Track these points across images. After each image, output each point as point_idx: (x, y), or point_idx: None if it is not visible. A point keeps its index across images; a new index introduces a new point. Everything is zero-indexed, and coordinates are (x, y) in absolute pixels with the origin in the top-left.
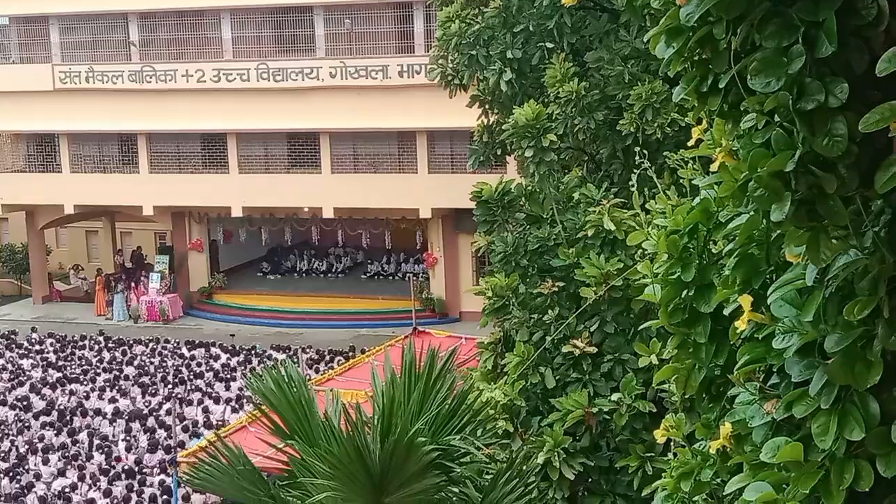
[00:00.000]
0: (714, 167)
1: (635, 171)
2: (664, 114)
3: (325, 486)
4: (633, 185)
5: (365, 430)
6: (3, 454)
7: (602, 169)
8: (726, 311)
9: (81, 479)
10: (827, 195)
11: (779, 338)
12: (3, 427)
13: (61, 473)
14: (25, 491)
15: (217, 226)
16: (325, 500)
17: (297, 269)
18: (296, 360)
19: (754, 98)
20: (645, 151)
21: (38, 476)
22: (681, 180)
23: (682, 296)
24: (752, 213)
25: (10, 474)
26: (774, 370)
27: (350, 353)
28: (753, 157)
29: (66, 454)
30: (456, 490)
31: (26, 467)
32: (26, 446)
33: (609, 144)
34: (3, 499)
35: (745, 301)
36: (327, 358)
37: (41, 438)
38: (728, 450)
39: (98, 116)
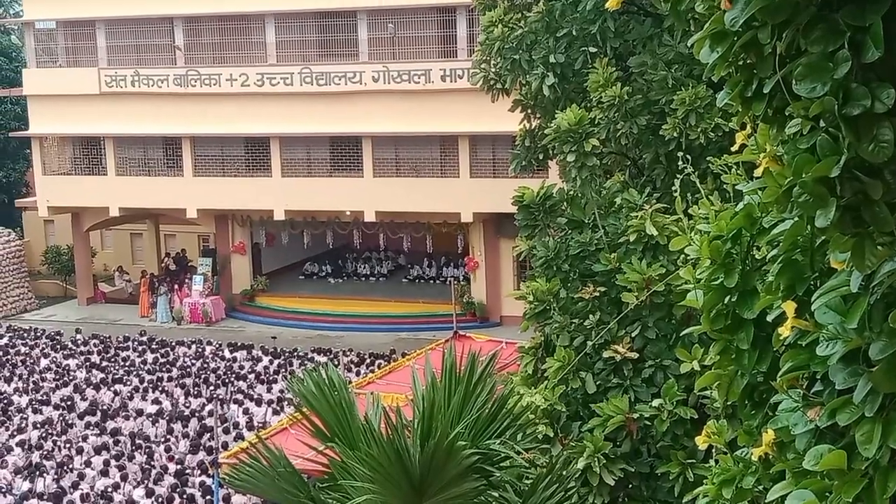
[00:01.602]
0: (758, 172)
1: (678, 176)
2: (708, 119)
3: (365, 489)
4: (675, 190)
5: (405, 433)
6: (46, 453)
7: (644, 174)
8: (769, 318)
9: (124, 478)
10: (872, 201)
11: (823, 345)
12: (47, 427)
13: (104, 473)
14: (70, 490)
15: (260, 229)
16: (364, 502)
17: (339, 272)
18: (336, 363)
19: (799, 103)
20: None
21: (81, 475)
22: (724, 185)
23: (725, 301)
24: (796, 218)
25: (54, 474)
26: (818, 377)
27: (391, 357)
28: (798, 162)
29: (109, 454)
30: (495, 494)
31: (70, 466)
32: (70, 446)
33: (652, 149)
34: (45, 498)
35: (789, 307)
36: (368, 361)
37: (84, 438)
38: (770, 457)
39: (143, 120)
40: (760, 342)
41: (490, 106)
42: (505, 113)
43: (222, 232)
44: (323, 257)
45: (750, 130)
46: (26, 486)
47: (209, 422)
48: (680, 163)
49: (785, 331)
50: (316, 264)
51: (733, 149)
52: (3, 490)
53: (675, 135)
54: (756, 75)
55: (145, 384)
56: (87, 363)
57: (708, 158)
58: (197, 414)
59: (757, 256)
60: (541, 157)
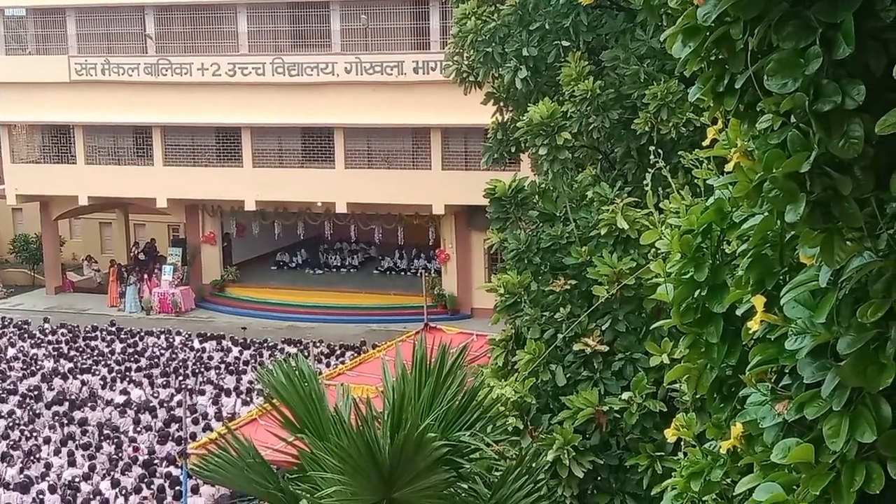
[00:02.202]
0: (729, 167)
1: (649, 170)
2: (679, 113)
3: (335, 480)
4: (647, 185)
5: (375, 424)
6: (13, 443)
7: (616, 168)
8: (739, 312)
9: (92, 469)
10: (842, 197)
11: (791, 339)
12: (14, 416)
13: (71, 464)
14: (36, 480)
15: (230, 219)
16: (334, 494)
17: (310, 264)
18: (307, 354)
19: (770, 99)
20: (660, 151)
21: (48, 465)
22: (695, 180)
23: (695, 295)
24: (766, 213)
25: (21, 463)
26: (786, 371)
27: (361, 348)
28: (769, 157)
29: (76, 444)
30: (465, 486)
31: (38, 456)
32: (37, 435)
33: (623, 143)
34: (12, 487)
35: (759, 301)
36: (338, 352)
37: (52, 428)
38: (739, 450)
39: (113, 108)
40: (730, 336)
41: (462, 98)
42: (477, 105)
43: (192, 222)
44: (294, 248)
45: (721, 125)
46: None
47: (178, 412)
48: (651, 157)
49: (754, 325)
50: (287, 255)
51: (704, 143)
52: None
53: (646, 129)
54: (728, 70)
55: (113, 374)
56: (55, 353)
57: (679, 153)
58: (165, 404)
59: (727, 251)
60: (513, 150)
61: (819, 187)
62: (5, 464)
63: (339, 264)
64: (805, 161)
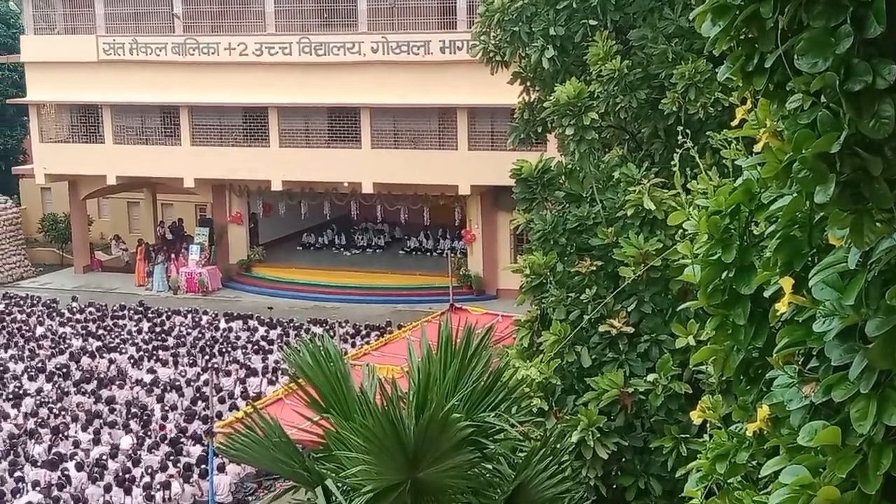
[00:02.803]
0: (758, 148)
1: (677, 150)
2: (707, 93)
3: (360, 460)
4: (674, 165)
5: (400, 404)
6: (41, 421)
7: (643, 148)
8: (766, 294)
9: (118, 447)
10: (872, 178)
11: (819, 321)
12: (42, 394)
13: (98, 442)
14: (65, 459)
15: (257, 199)
16: (359, 473)
17: (336, 244)
18: (332, 334)
19: (801, 78)
20: (687, 131)
21: (76, 444)
22: (723, 161)
23: (722, 277)
24: (795, 194)
25: (49, 441)
26: (814, 353)
27: (387, 329)
28: (798, 138)
29: (104, 422)
30: (489, 467)
31: (66, 434)
32: (65, 413)
33: (651, 123)
34: (40, 465)
35: (787, 283)
36: (364, 332)
37: (80, 406)
38: (765, 432)
39: (141, 88)
40: (757, 318)
41: (489, 78)
42: (504, 85)
43: (219, 202)
44: (320, 228)
45: (750, 105)
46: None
47: (204, 391)
48: (679, 137)
49: (782, 307)
50: (313, 235)
51: (733, 124)
52: None
53: (674, 109)
54: (757, 50)
55: (141, 353)
56: (83, 331)
57: (707, 133)
58: (192, 383)
59: (755, 232)
60: (539, 130)
61: (849, 168)
62: (34, 441)
63: (365, 244)
64: (835, 141)
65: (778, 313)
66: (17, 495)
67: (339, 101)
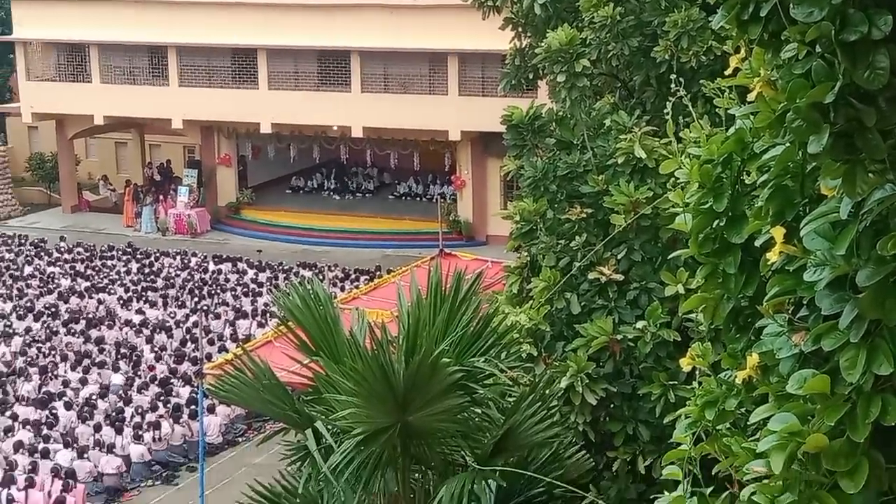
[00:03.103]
0: (751, 97)
1: (669, 98)
2: (700, 42)
3: (349, 403)
4: (666, 113)
5: (390, 349)
6: (30, 360)
7: (635, 96)
8: (757, 243)
9: (108, 387)
10: (866, 128)
11: (810, 270)
12: (31, 334)
13: (87, 382)
14: (54, 398)
15: (246, 141)
16: (348, 416)
17: (325, 188)
18: (322, 277)
19: (796, 27)
20: (680, 79)
21: (66, 383)
22: (716, 109)
23: (714, 226)
24: (788, 144)
25: (38, 380)
26: (804, 303)
27: (376, 273)
28: (792, 87)
29: (93, 362)
30: (478, 411)
31: (55, 373)
32: (54, 353)
33: (643, 71)
34: (26, 403)
35: (778, 233)
36: (353, 277)
37: (69, 346)
38: (754, 380)
39: (129, 27)
40: (747, 267)
41: (480, 23)
42: (495, 31)
43: (208, 144)
44: (310, 172)
45: (744, 54)
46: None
47: (194, 333)
48: (671, 86)
49: (773, 256)
50: (302, 179)
51: (726, 72)
52: None
53: (666, 57)
54: None
55: (130, 294)
56: (72, 271)
57: (700, 82)
58: (182, 325)
59: (747, 181)
60: (531, 76)
61: (843, 118)
62: (23, 379)
63: (354, 189)
64: (829, 91)
65: (769, 262)
66: (9, 433)
67: (330, 45)
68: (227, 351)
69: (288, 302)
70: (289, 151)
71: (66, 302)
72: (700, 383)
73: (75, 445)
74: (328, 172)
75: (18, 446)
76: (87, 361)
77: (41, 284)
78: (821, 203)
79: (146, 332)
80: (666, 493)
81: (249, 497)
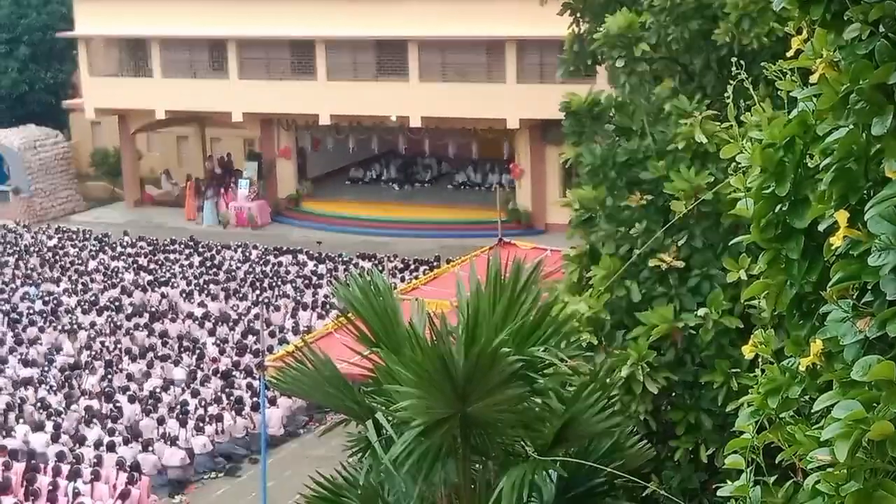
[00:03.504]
0: (813, 79)
1: (730, 82)
2: (761, 23)
3: (410, 394)
4: (727, 97)
5: (450, 339)
6: (95, 354)
7: (695, 80)
8: (821, 227)
9: (171, 380)
10: None
11: (875, 255)
12: (96, 328)
13: (151, 375)
14: (119, 391)
15: (305, 133)
16: (408, 407)
17: (384, 178)
18: (381, 268)
19: (858, 7)
20: (741, 62)
21: (129, 376)
22: (778, 92)
23: (776, 210)
24: (851, 126)
25: (103, 373)
26: (869, 288)
27: (435, 263)
28: (856, 68)
29: (157, 356)
30: (539, 401)
31: (119, 367)
32: (118, 346)
33: (703, 55)
34: (90, 396)
35: (842, 217)
36: (412, 267)
37: (133, 340)
38: (818, 367)
39: (189, 22)
40: (811, 252)
41: (539, 9)
42: (554, 17)
43: (267, 136)
44: (369, 162)
45: (806, 35)
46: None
47: (255, 325)
48: (732, 69)
49: (836, 240)
50: (362, 169)
51: (788, 54)
52: (55, 388)
53: (727, 40)
54: None
55: (192, 287)
56: (135, 265)
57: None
58: (243, 318)
59: (809, 165)
60: (589, 62)
61: None
62: (87, 373)
63: (413, 179)
64: (893, 72)
65: (832, 247)
66: (76, 427)
67: (387, 34)
68: (287, 343)
69: (348, 293)
70: (347, 142)
71: (129, 296)
72: (763, 371)
73: (140, 438)
74: (387, 162)
75: (84, 439)
76: (150, 355)
77: (105, 279)
78: (885, 186)
79: (208, 324)
80: (729, 482)
81: (311, 489)
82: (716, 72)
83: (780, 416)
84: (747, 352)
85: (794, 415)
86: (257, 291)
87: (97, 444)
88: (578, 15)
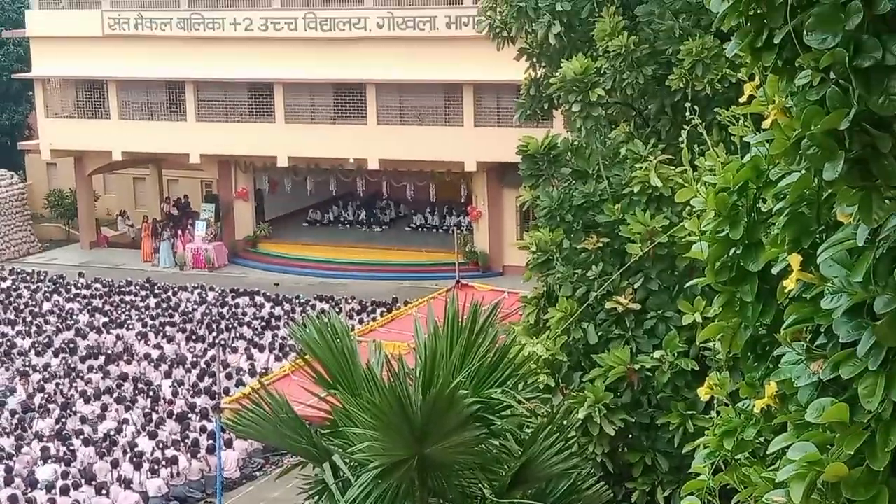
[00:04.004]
0: (766, 124)
1: (684, 127)
2: (715, 69)
3: (367, 436)
4: (682, 142)
5: (407, 381)
6: (48, 396)
7: (650, 125)
8: (774, 271)
9: (126, 422)
10: (881, 154)
11: (827, 298)
12: (49, 370)
13: (105, 417)
14: (72, 434)
15: (263, 175)
16: (366, 449)
17: (342, 220)
18: (339, 310)
19: (809, 54)
20: (695, 107)
21: (84, 419)
22: (731, 137)
23: (730, 254)
24: (803, 171)
25: (57, 416)
26: (822, 330)
27: (393, 305)
28: (807, 114)
29: (112, 398)
30: (496, 443)
31: (73, 410)
32: (72, 388)
33: (658, 100)
34: (45, 440)
35: (795, 260)
36: (370, 309)
37: (87, 382)
38: (773, 409)
39: (146, 63)
40: (764, 295)
41: (495, 54)
42: (510, 62)
43: (225, 178)
44: (326, 205)
45: (759, 81)
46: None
47: (212, 367)
48: (686, 114)
49: (790, 284)
50: (319, 212)
51: (741, 100)
52: (7, 431)
53: (681, 85)
54: (766, 25)
55: (147, 329)
56: (90, 307)
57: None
58: (199, 359)
59: (763, 209)
60: (546, 106)
61: (858, 145)
62: (40, 416)
63: (371, 221)
64: (844, 118)
65: (786, 290)
66: (28, 471)
67: (345, 77)
68: (244, 385)
69: (305, 335)
70: (305, 185)
71: (84, 338)
72: (718, 412)
73: (94, 482)
74: (345, 205)
75: (37, 483)
76: (105, 397)
77: (59, 320)
78: (837, 230)
79: (164, 366)
80: None
81: None
82: (670, 117)
83: (735, 458)
84: (703, 394)
85: (749, 456)
86: (214, 333)
87: (50, 488)
88: (535, 60)
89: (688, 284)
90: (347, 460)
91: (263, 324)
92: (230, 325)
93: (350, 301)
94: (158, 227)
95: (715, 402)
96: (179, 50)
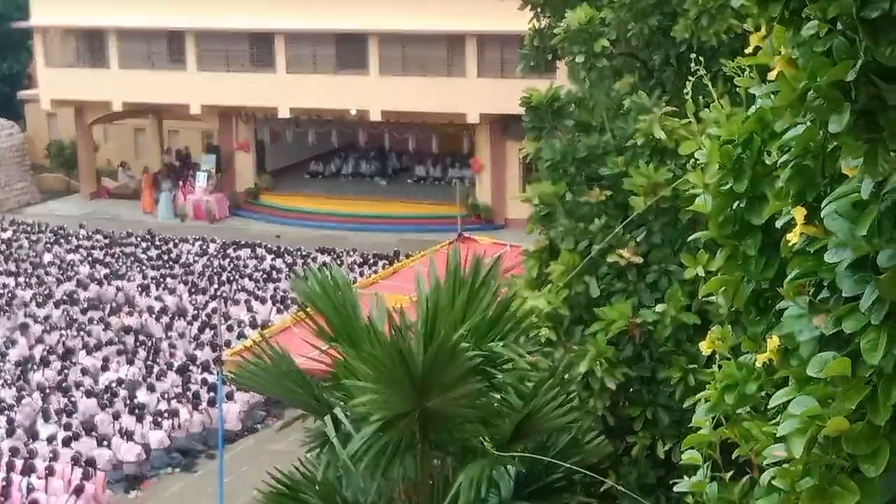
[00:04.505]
0: (771, 76)
1: (689, 78)
2: (720, 20)
3: (368, 389)
4: (686, 93)
5: (408, 334)
6: (50, 347)
7: (654, 76)
8: (778, 224)
9: (127, 374)
10: (888, 107)
11: (831, 251)
12: (50, 321)
13: (107, 369)
14: (74, 385)
15: (264, 126)
16: (367, 402)
17: (344, 172)
18: (340, 262)
19: (816, 4)
20: (700, 58)
21: (85, 371)
22: (736, 89)
23: (734, 207)
24: (809, 123)
25: (60, 367)
26: (825, 284)
27: (394, 258)
28: (813, 65)
29: (113, 349)
30: (497, 396)
31: (74, 360)
32: (73, 339)
33: (662, 51)
34: (47, 391)
35: (799, 213)
36: (371, 261)
37: (89, 333)
38: (774, 363)
39: (146, 13)
40: (768, 248)
41: (499, 4)
42: (514, 12)
43: (226, 129)
44: (328, 156)
45: (765, 32)
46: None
47: (213, 319)
48: (691, 65)
49: (793, 237)
50: (321, 163)
51: (747, 51)
52: (9, 383)
53: (686, 36)
54: None
55: (148, 281)
56: (91, 258)
57: (720, 61)
58: (201, 311)
59: (767, 162)
60: (549, 57)
61: (864, 97)
62: (42, 367)
63: (372, 173)
64: (851, 69)
65: (789, 244)
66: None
67: (347, 28)
68: (245, 337)
69: (306, 288)
70: (307, 136)
71: (85, 289)
72: (720, 367)
73: (95, 433)
74: (346, 156)
75: (38, 434)
76: (106, 349)
77: (60, 272)
78: (842, 183)
79: (165, 318)
80: (685, 477)
81: (269, 484)
82: (675, 68)
83: (736, 413)
84: (704, 348)
85: (750, 411)
86: (215, 285)
87: (51, 439)
88: (539, 10)
89: (690, 238)
90: (349, 413)
91: (265, 276)
92: (231, 278)
93: (352, 254)
94: (159, 179)
95: (717, 356)
96: None
